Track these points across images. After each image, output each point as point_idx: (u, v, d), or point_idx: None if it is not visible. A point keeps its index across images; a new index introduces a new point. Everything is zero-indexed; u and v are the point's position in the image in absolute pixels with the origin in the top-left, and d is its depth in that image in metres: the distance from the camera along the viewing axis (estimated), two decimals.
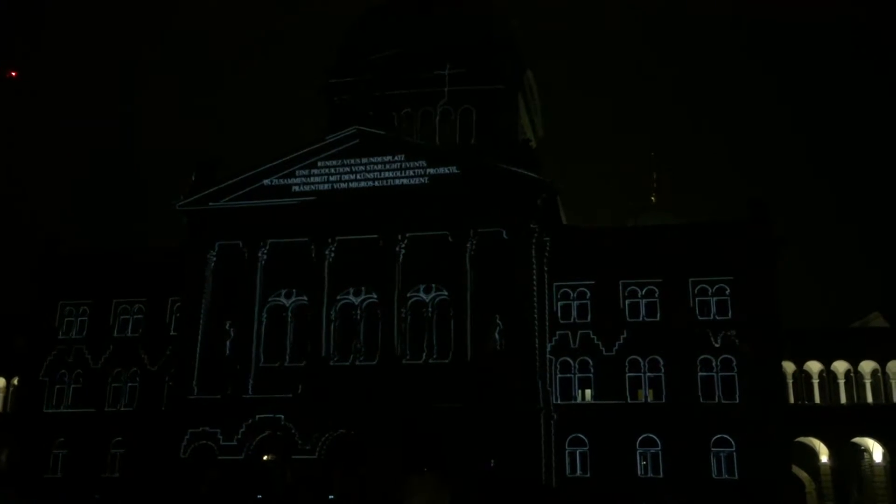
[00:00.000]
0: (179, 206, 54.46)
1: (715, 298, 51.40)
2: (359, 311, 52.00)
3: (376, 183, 52.56)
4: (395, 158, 52.87)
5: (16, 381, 60.00)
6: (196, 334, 52.39)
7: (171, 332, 55.69)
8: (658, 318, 51.58)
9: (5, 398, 61.07)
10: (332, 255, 52.44)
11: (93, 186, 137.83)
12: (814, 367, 52.47)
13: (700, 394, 49.97)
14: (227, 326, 52.48)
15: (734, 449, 48.74)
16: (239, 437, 49.37)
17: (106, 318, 58.00)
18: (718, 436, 49.01)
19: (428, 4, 64.64)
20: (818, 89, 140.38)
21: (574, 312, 52.67)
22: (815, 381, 52.53)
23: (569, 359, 51.89)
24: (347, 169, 53.20)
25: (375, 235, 51.59)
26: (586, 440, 50.17)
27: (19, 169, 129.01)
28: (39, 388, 57.41)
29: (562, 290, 52.90)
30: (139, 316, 57.64)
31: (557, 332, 51.89)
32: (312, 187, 53.31)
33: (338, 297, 52.13)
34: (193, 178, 54.96)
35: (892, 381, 51.81)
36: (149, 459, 51.37)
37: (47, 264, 60.20)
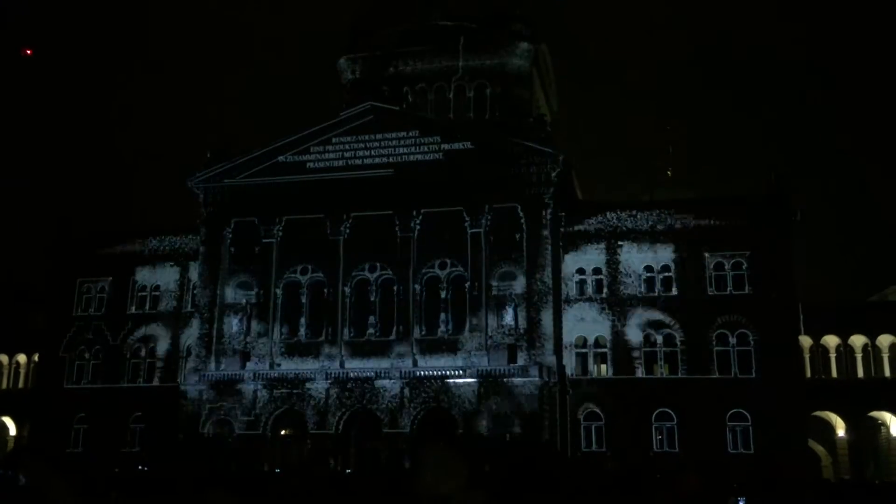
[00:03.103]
0: (195, 183, 54.71)
1: (732, 273, 51.20)
2: (374, 287, 52.17)
3: (391, 159, 52.50)
4: (410, 134, 52.75)
5: (36, 358, 60.77)
6: (213, 310, 52.81)
7: (189, 309, 56.18)
8: (674, 293, 51.47)
9: (26, 374, 61.92)
10: (347, 231, 52.54)
11: (109, 164, 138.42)
12: (831, 341, 52.24)
13: (716, 368, 49.94)
14: (243, 303, 52.92)
15: (750, 423, 48.71)
16: (257, 412, 49.90)
17: (123, 294, 58.51)
18: (734, 410, 49.00)
19: None
20: (838, 58, 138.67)
21: (589, 287, 52.59)
22: (832, 356, 52.30)
23: (584, 333, 51.83)
24: (362, 145, 53.12)
25: (390, 211, 51.62)
26: (601, 414, 50.28)
27: (35, 147, 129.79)
28: (59, 364, 58.12)
29: (577, 265, 52.79)
30: (156, 293, 58.16)
31: (573, 306, 51.90)
32: (327, 164, 53.32)
33: (353, 273, 52.32)
34: (208, 156, 55.16)
35: None
36: (168, 434, 51.97)
37: (64, 242, 60.65)
